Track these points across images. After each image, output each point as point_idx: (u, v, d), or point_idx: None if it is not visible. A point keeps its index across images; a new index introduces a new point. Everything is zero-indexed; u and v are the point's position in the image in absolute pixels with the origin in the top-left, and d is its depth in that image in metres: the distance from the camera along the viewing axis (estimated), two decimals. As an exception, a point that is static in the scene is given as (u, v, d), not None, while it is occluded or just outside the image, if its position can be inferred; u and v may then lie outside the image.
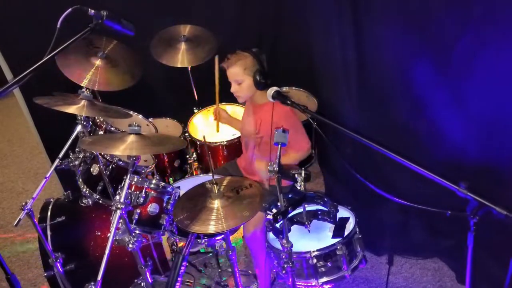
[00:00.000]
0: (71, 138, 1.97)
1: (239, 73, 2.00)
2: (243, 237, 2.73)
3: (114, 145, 1.57)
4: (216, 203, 1.61)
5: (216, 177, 1.69)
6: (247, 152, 2.29)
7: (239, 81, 2.02)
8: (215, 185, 1.63)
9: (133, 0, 2.75)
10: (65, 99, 1.83)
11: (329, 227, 1.89)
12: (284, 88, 2.94)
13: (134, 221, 1.84)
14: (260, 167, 2.07)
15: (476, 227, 1.14)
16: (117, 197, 1.60)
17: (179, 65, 2.60)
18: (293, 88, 2.98)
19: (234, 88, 2.07)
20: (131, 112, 2.51)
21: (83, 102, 1.80)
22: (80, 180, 2.13)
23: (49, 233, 2.06)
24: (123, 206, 1.56)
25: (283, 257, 1.63)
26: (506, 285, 1.21)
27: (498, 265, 1.86)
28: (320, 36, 2.42)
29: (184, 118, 2.83)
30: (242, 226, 2.23)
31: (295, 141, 2.03)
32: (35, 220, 1.83)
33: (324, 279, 1.75)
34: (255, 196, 1.64)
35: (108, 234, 1.54)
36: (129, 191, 1.81)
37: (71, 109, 1.73)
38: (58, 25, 1.51)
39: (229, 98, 2.54)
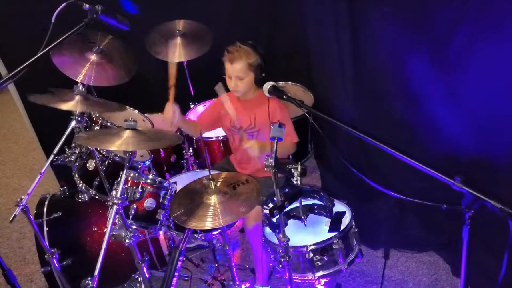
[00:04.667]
0: (66, 134, 1.96)
1: (244, 69, 1.95)
2: (240, 231, 2.75)
3: (110, 140, 1.56)
4: (213, 199, 1.61)
5: (212, 172, 1.69)
6: (240, 147, 2.21)
7: (242, 77, 1.97)
8: (211, 181, 1.63)
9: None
10: (59, 95, 1.82)
11: (325, 221, 1.90)
12: (281, 83, 2.93)
13: (130, 216, 1.83)
14: (252, 146, 1.91)
15: (471, 221, 1.15)
16: (114, 192, 1.60)
17: (175, 60, 2.58)
18: (289, 82, 2.97)
19: (233, 83, 2.01)
20: (127, 107, 2.51)
21: (77, 97, 1.79)
22: (76, 175, 2.13)
23: (45, 229, 2.06)
24: (119, 202, 1.56)
25: (280, 251, 1.64)
26: (500, 277, 1.22)
27: (493, 258, 1.88)
28: (316, 30, 2.42)
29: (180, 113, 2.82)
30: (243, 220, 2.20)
31: (286, 133, 2.02)
32: (31, 216, 1.82)
33: (321, 273, 1.75)
34: (252, 192, 1.64)
35: (105, 230, 1.54)
36: (126, 186, 1.80)
37: (66, 106, 1.72)
38: (53, 20, 1.50)
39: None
